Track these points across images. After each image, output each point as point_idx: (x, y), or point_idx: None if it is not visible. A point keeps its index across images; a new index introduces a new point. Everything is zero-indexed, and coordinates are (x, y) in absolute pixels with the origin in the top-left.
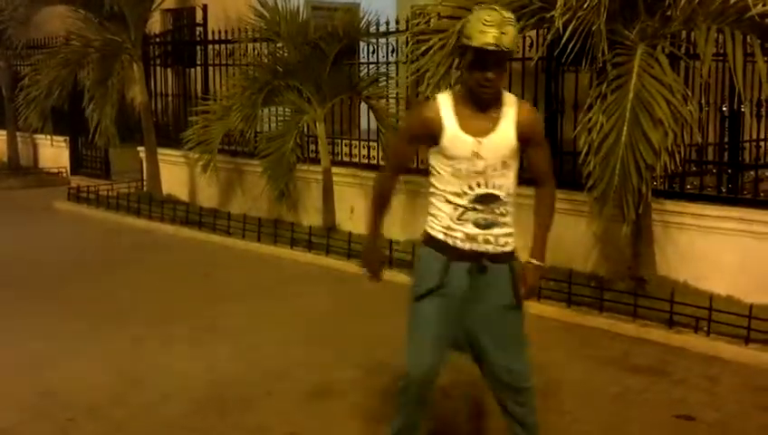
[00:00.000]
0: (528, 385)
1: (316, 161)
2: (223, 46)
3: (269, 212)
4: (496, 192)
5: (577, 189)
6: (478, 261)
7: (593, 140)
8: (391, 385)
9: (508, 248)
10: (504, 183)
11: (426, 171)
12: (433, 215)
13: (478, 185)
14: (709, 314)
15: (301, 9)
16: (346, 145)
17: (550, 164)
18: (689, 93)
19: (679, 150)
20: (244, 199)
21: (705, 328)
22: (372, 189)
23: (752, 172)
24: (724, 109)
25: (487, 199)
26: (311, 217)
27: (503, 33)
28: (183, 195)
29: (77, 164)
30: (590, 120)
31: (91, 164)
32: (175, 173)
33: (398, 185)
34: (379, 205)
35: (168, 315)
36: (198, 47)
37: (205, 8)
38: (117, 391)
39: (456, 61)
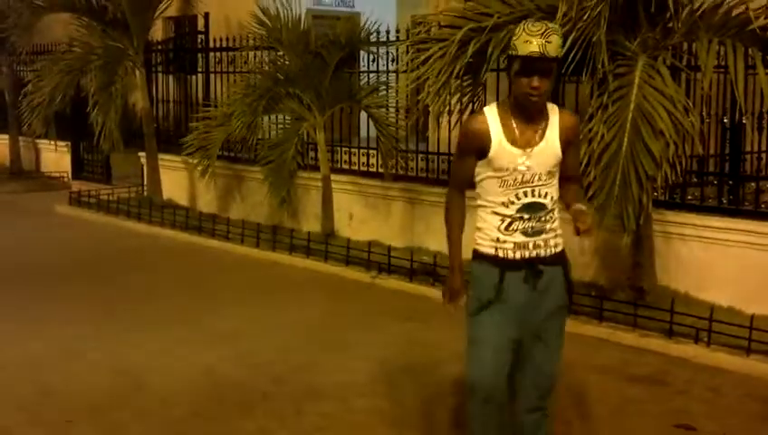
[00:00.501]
0: (553, 387)
1: (316, 168)
2: (224, 54)
3: (268, 218)
4: (542, 201)
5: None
6: (532, 267)
7: (594, 151)
8: (392, 390)
9: (559, 249)
10: (550, 191)
11: (423, 179)
12: (480, 229)
13: (525, 194)
14: (710, 324)
15: (302, 18)
16: (345, 153)
17: (579, 163)
18: (690, 105)
19: (680, 162)
20: (243, 205)
21: (706, 338)
22: (445, 212)
23: (752, 184)
24: (726, 120)
25: (534, 208)
26: (310, 223)
27: (548, 41)
28: (183, 200)
29: (78, 169)
30: (590, 130)
31: (92, 169)
32: (175, 178)
33: (400, 193)
34: (455, 225)
35: (167, 319)
36: (200, 54)
37: (206, 16)
38: (116, 394)
39: (456, 70)
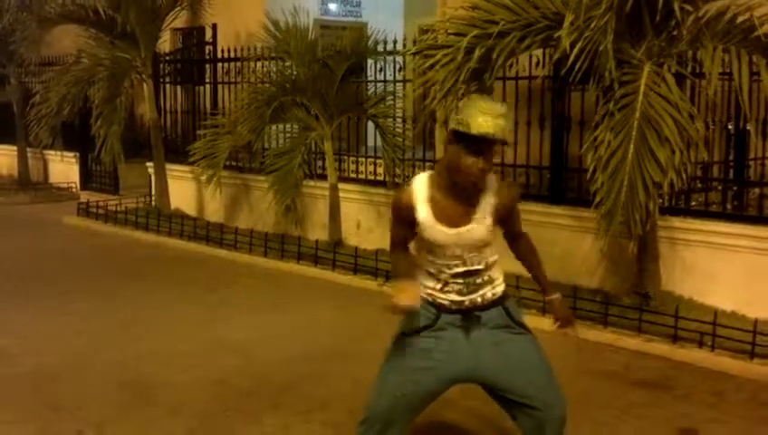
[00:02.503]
0: (561, 414)
1: (323, 177)
2: (232, 64)
3: (275, 227)
4: (475, 268)
5: (582, 206)
6: (469, 314)
7: (601, 157)
8: None
9: (497, 295)
10: (483, 257)
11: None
12: (420, 282)
13: (456, 266)
14: (713, 329)
15: (310, 28)
16: (353, 162)
17: (520, 220)
18: (695, 111)
19: (686, 168)
20: (250, 215)
21: (710, 343)
22: (393, 269)
23: (756, 189)
24: (730, 127)
25: (467, 274)
26: (317, 232)
27: (498, 123)
28: (191, 210)
29: (86, 179)
30: (596, 138)
31: (100, 179)
32: (183, 188)
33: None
34: (404, 276)
35: (174, 329)
36: (208, 65)
37: (214, 27)
38: (124, 405)
39: (462, 76)
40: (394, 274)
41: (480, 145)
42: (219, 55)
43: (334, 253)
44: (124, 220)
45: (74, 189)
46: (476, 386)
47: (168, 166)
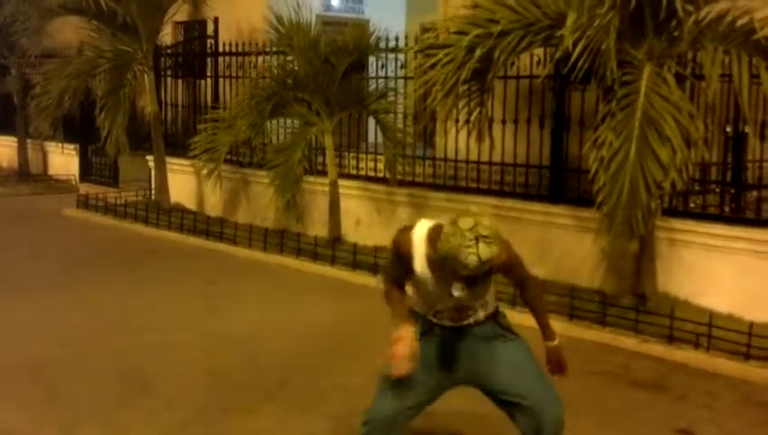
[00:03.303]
0: (556, 414)
1: (323, 173)
2: (233, 58)
3: (275, 222)
4: (468, 305)
5: (581, 206)
6: (461, 329)
7: (603, 158)
8: None
9: (489, 313)
10: (476, 299)
11: (429, 185)
12: (414, 302)
13: (450, 304)
14: (709, 330)
15: (312, 23)
16: (353, 158)
17: (526, 269)
18: (696, 111)
19: (687, 168)
20: (250, 210)
21: (706, 344)
22: (387, 301)
23: (754, 192)
24: (728, 129)
25: (460, 309)
26: (317, 228)
27: (484, 251)
28: (190, 204)
29: (86, 172)
30: (597, 138)
31: (99, 172)
32: (183, 182)
33: (407, 198)
34: (399, 311)
35: (173, 323)
36: (209, 59)
37: (216, 21)
38: (122, 396)
39: (463, 75)
40: (391, 309)
41: (460, 274)
42: (221, 49)
43: (333, 249)
44: (124, 213)
45: (74, 182)
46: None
47: (169, 159)
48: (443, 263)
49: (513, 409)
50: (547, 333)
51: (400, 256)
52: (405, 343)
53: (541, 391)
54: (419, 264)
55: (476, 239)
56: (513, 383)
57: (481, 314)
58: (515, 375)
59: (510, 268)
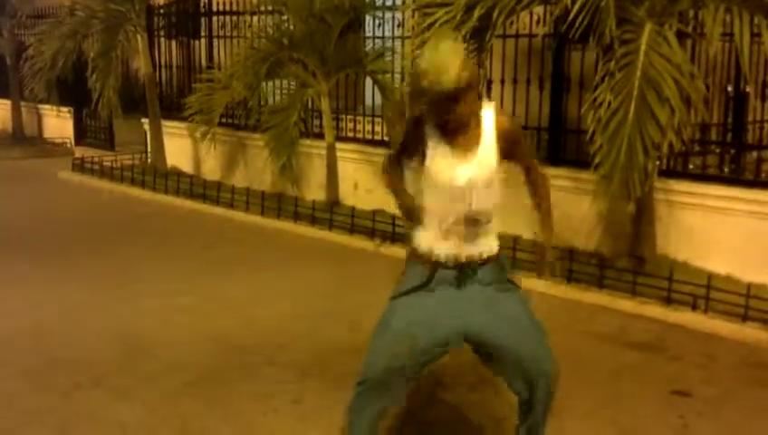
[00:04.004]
0: (549, 369)
1: (320, 136)
2: (228, 18)
3: (272, 186)
4: (477, 216)
5: (580, 168)
6: (463, 269)
7: (601, 118)
8: None
9: (493, 253)
10: (486, 201)
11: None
12: (416, 235)
13: (460, 206)
14: (707, 292)
15: None
16: (351, 120)
17: (532, 154)
18: (697, 72)
19: (686, 129)
20: (247, 173)
21: (703, 306)
22: (386, 181)
23: (754, 153)
24: (729, 89)
25: (467, 222)
26: (314, 192)
27: (449, 73)
28: (187, 167)
29: (81, 135)
30: (596, 98)
31: (95, 135)
32: (179, 145)
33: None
34: (400, 191)
35: (172, 286)
36: (203, 18)
37: None
38: (122, 361)
39: (462, 34)
40: (395, 193)
41: (437, 98)
42: (215, 8)
43: (331, 213)
44: (120, 177)
45: (69, 145)
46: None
47: (164, 122)
48: (421, 93)
49: (506, 365)
50: (545, 225)
51: (412, 137)
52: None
53: (537, 347)
54: (431, 144)
55: (440, 69)
56: (510, 340)
57: (485, 248)
58: (513, 332)
59: (514, 142)
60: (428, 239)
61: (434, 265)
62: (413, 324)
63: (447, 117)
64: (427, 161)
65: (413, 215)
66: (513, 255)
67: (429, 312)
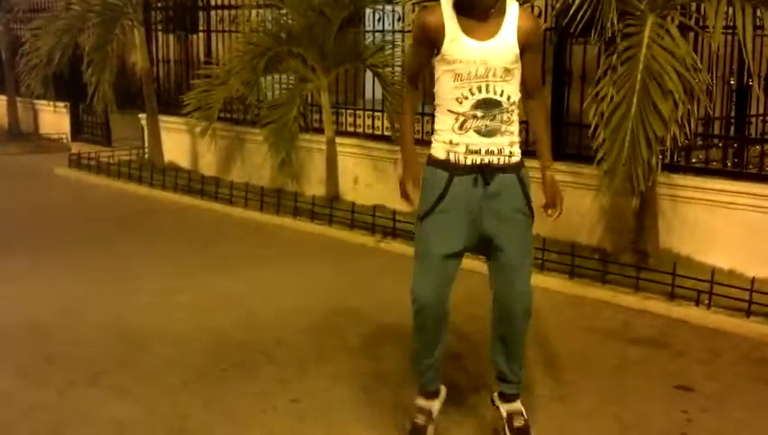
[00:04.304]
0: (528, 307)
1: (320, 131)
2: (226, 12)
3: (271, 182)
4: (497, 98)
5: (582, 162)
6: (482, 172)
7: (603, 113)
8: (396, 353)
9: (514, 159)
10: (506, 89)
11: (428, 142)
12: (435, 131)
13: (479, 90)
14: (710, 287)
15: None
16: (350, 115)
17: (541, 75)
18: (699, 65)
19: (689, 122)
20: (245, 168)
21: (707, 301)
22: (398, 107)
23: (758, 147)
24: (732, 82)
25: (488, 105)
26: (314, 187)
27: None
28: (185, 163)
29: (78, 130)
30: (598, 92)
31: (91, 130)
32: (176, 140)
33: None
34: (407, 116)
35: (170, 283)
36: (201, 12)
37: None
38: (118, 358)
39: None
40: (400, 122)
41: None
42: (213, 2)
43: (331, 208)
44: (117, 172)
45: (65, 140)
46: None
47: (162, 117)
48: None
49: (497, 273)
50: (546, 155)
51: (428, 30)
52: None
53: (521, 274)
54: (450, 24)
55: None
56: (514, 255)
57: (506, 148)
58: (517, 251)
59: (532, 45)
60: (446, 131)
61: (450, 169)
62: (446, 242)
63: None
64: (445, 45)
65: (406, 163)
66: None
67: (453, 225)
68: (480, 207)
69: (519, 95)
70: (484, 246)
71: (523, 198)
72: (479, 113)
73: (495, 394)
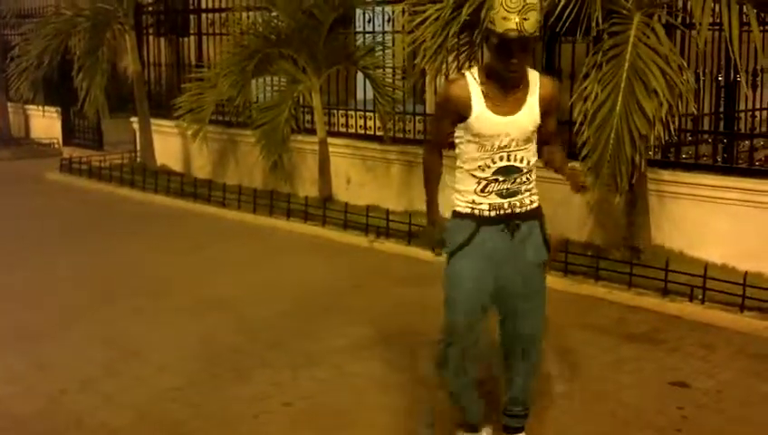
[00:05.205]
0: (539, 347)
1: (312, 132)
2: (217, 15)
3: (264, 183)
4: (517, 165)
5: (571, 159)
6: (508, 221)
7: (588, 110)
8: (389, 355)
9: (534, 206)
10: (525, 155)
11: (420, 142)
12: (457, 191)
13: (501, 159)
14: (704, 282)
15: None
16: (342, 116)
17: (556, 125)
18: (685, 64)
19: (673, 121)
20: (238, 170)
21: (700, 296)
22: (423, 170)
23: (747, 142)
24: (720, 78)
25: (509, 171)
26: (306, 188)
27: (525, 18)
28: (177, 166)
29: (69, 135)
30: (584, 89)
31: (83, 135)
32: (168, 144)
33: (398, 156)
34: (432, 181)
35: (163, 287)
36: (192, 16)
37: None
38: (110, 364)
39: (452, 31)
40: (427, 188)
41: (509, 43)
42: (203, 5)
43: (324, 209)
44: (109, 177)
45: (57, 145)
46: None
47: (153, 121)
48: (489, 39)
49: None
50: (566, 167)
51: (453, 101)
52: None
53: (533, 320)
54: (476, 98)
55: (515, 11)
56: (523, 313)
57: (527, 198)
58: (529, 308)
59: (552, 108)
60: (468, 193)
61: (477, 220)
62: (476, 280)
63: (513, 63)
64: (472, 119)
65: (434, 222)
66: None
67: (478, 272)
68: (505, 251)
69: (536, 153)
70: (500, 301)
71: (543, 247)
72: (500, 178)
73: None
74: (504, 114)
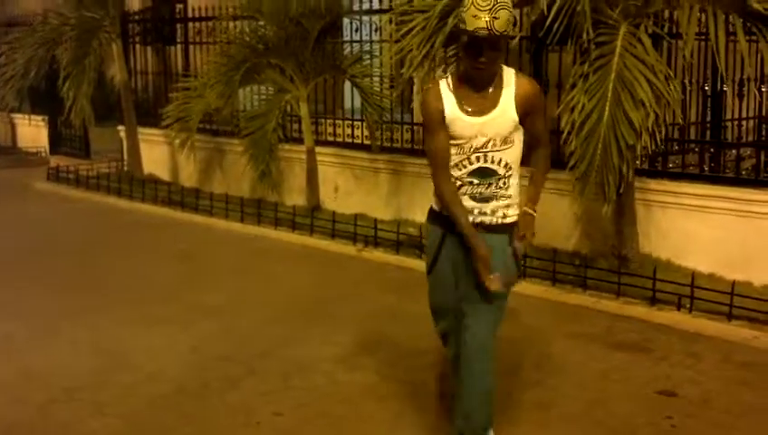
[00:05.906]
0: (487, 351)
1: (299, 141)
2: (204, 24)
3: (252, 192)
4: (493, 167)
5: (559, 168)
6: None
7: (575, 120)
8: (378, 363)
9: (508, 220)
10: (504, 157)
11: (408, 150)
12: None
13: (477, 159)
14: (691, 291)
15: None
16: (330, 124)
17: (547, 130)
18: (671, 74)
19: (660, 131)
20: (225, 179)
21: (688, 305)
22: (444, 202)
23: (733, 151)
24: (707, 88)
25: (483, 174)
26: (294, 197)
27: (495, 17)
28: (164, 175)
29: (56, 144)
30: (572, 99)
31: (70, 144)
32: (156, 153)
33: (386, 165)
34: (457, 206)
35: (151, 296)
36: (178, 25)
37: None
38: (98, 373)
39: (438, 41)
40: (453, 214)
41: (478, 41)
42: (190, 14)
43: (312, 218)
44: (96, 185)
45: (44, 154)
46: None
47: (140, 130)
48: (460, 38)
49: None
50: (535, 199)
51: (433, 109)
52: (485, 262)
53: (478, 327)
54: (448, 101)
55: (486, 9)
56: (471, 322)
57: (500, 211)
58: (476, 316)
59: (533, 109)
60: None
61: (444, 226)
62: (443, 291)
63: (482, 61)
64: (447, 121)
65: (469, 235)
66: None
67: (450, 283)
68: (463, 265)
69: (519, 157)
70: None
71: (510, 263)
72: (475, 181)
73: None
74: (478, 115)
